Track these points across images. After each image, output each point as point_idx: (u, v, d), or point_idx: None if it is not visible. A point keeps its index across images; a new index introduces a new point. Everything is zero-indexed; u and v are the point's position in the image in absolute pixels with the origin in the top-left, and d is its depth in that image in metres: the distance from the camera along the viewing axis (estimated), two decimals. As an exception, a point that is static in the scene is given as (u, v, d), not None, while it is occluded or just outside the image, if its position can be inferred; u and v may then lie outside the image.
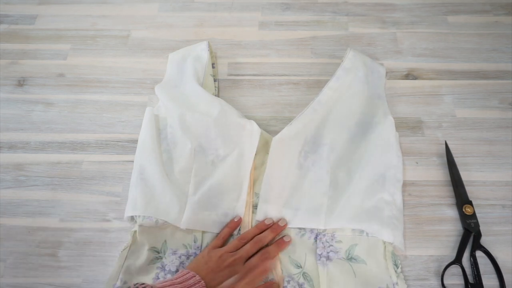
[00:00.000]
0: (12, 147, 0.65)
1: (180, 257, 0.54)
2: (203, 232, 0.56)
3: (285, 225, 0.56)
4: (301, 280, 0.53)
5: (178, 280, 0.47)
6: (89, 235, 0.57)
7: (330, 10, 0.79)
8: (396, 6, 0.80)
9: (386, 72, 0.70)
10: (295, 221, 0.56)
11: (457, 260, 0.53)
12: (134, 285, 0.44)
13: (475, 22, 0.77)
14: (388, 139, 0.61)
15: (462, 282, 0.53)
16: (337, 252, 0.54)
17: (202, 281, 0.47)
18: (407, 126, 0.65)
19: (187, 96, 0.65)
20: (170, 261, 0.54)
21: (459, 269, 0.53)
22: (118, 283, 0.51)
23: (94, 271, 0.55)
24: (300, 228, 0.57)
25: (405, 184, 0.60)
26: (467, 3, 0.79)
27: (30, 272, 0.55)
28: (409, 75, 0.71)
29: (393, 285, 0.51)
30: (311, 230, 0.56)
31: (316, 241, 0.55)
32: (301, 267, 0.54)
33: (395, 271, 0.52)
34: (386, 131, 0.61)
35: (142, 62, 0.74)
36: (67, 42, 0.76)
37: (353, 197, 0.56)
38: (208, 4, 0.81)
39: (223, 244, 0.55)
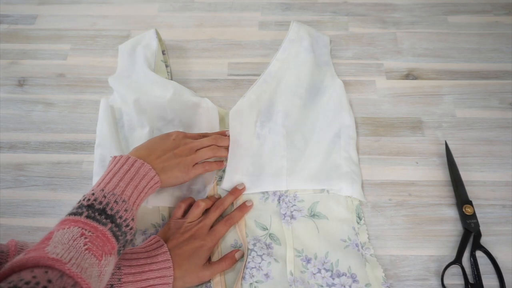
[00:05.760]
0: (12, 147, 0.65)
1: (149, 236, 0.55)
2: (170, 209, 0.58)
3: (244, 188, 0.58)
4: (268, 241, 0.55)
5: (144, 244, 0.49)
6: (89, 235, 0.57)
7: (330, 10, 0.79)
8: (396, 6, 0.79)
9: (330, 40, 0.73)
10: (257, 186, 0.59)
11: (457, 260, 0.53)
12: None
13: (475, 22, 0.77)
14: (339, 101, 0.63)
15: (462, 282, 0.53)
16: (300, 210, 0.57)
17: (165, 245, 0.49)
18: (407, 126, 0.65)
19: (140, 83, 0.66)
20: (141, 242, 0.55)
21: (459, 269, 0.53)
22: None
23: (94, 271, 0.55)
24: (263, 193, 0.59)
25: (405, 184, 0.60)
26: (467, 3, 0.79)
27: (30, 272, 0.54)
28: (409, 75, 0.71)
29: (355, 235, 0.55)
30: (274, 193, 0.58)
31: (279, 202, 0.58)
32: (267, 229, 0.56)
33: (358, 223, 0.56)
34: (336, 93, 0.64)
35: (142, 62, 0.73)
36: (67, 42, 0.76)
37: (311, 158, 0.60)
38: (208, 4, 0.81)
39: (184, 213, 0.56)
